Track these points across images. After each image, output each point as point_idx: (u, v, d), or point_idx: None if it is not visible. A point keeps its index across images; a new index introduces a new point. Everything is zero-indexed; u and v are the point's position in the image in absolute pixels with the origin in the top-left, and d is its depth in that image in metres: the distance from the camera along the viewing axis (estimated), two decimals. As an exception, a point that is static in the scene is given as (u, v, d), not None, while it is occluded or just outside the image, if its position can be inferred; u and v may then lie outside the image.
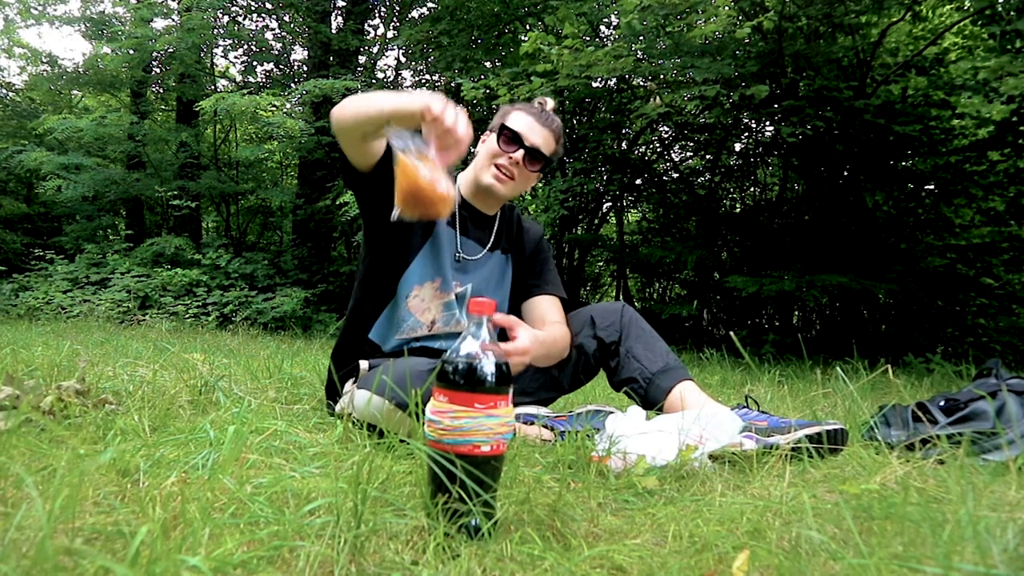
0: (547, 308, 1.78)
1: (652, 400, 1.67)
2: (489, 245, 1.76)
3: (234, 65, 10.51)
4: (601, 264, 10.07)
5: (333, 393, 1.71)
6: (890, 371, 1.63)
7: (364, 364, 1.59)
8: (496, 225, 1.78)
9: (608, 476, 1.22)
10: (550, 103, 1.75)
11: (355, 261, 7.85)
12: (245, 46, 9.75)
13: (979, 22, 5.64)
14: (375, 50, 9.85)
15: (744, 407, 1.55)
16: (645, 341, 1.73)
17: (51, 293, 7.07)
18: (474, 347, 0.93)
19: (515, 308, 1.82)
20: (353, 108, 1.41)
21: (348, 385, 1.63)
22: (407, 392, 1.28)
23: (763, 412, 1.53)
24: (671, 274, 8.85)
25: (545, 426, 1.67)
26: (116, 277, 7.27)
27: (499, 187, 1.66)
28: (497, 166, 1.65)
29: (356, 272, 1.81)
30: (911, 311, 6.57)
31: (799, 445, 1.36)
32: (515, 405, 1.50)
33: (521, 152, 1.64)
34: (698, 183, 8.75)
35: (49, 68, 10.18)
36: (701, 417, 1.38)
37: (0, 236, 9.87)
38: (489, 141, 1.69)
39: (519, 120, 1.66)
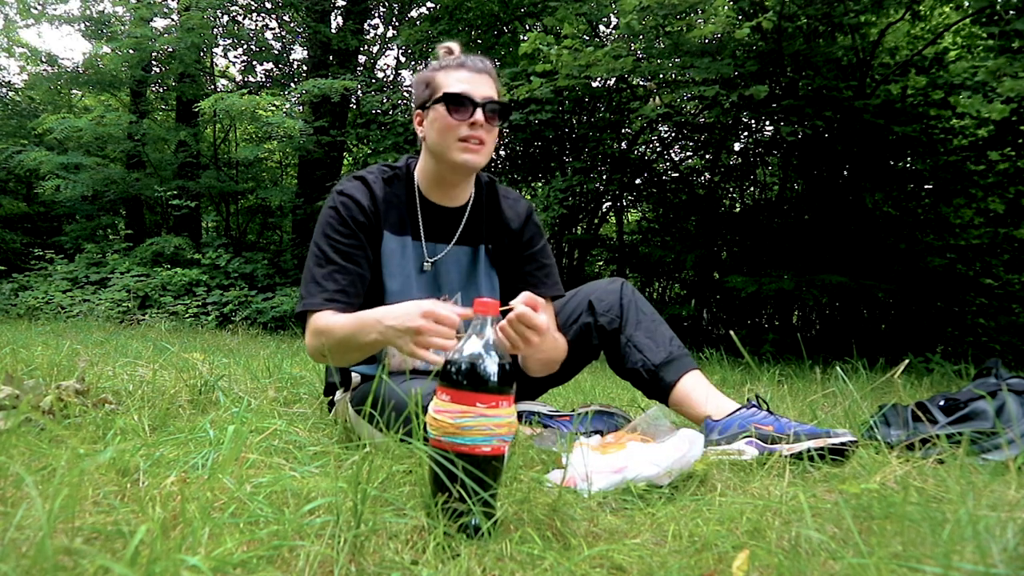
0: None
1: (657, 393, 1.63)
2: (455, 239, 1.58)
3: (234, 65, 10.52)
4: (601, 264, 10.07)
5: (331, 391, 1.70)
6: (899, 370, 1.61)
7: (356, 377, 1.53)
8: (466, 216, 1.59)
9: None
10: (456, 47, 1.54)
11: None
12: (245, 46, 9.74)
13: (980, 20, 5.64)
14: (375, 50, 9.86)
15: (754, 406, 1.53)
16: (647, 328, 1.65)
17: (51, 293, 7.06)
18: (477, 347, 0.93)
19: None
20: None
21: (339, 394, 1.59)
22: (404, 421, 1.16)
23: (771, 414, 1.49)
24: (671, 274, 8.85)
25: (546, 426, 1.68)
26: (116, 277, 7.27)
27: (476, 159, 1.46)
28: (462, 139, 1.44)
29: None
30: (911, 311, 6.58)
31: (801, 453, 1.35)
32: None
33: (480, 112, 1.42)
34: (698, 183, 8.76)
35: (49, 67, 10.16)
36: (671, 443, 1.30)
37: (0, 236, 9.86)
38: (434, 119, 1.46)
39: (454, 79, 1.45)
